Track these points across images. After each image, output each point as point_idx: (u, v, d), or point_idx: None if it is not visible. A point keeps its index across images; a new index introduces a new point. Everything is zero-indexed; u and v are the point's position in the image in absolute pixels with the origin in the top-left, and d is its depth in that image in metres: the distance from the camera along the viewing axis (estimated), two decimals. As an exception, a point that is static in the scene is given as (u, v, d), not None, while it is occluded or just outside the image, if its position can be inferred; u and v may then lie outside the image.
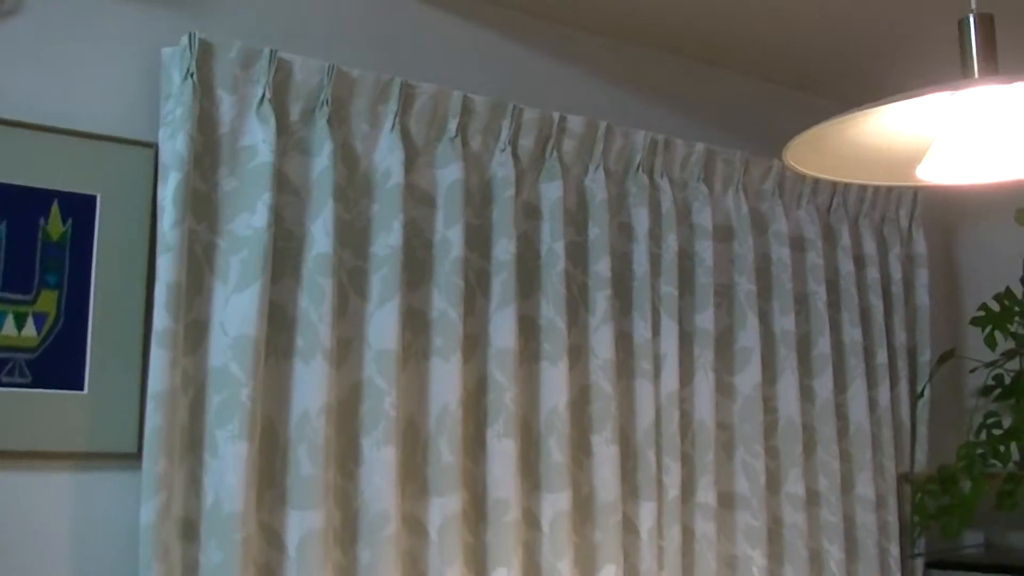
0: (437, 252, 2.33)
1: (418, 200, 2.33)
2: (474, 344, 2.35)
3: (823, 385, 2.85)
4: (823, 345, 2.85)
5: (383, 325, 2.22)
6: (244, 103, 2.16)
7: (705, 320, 2.67)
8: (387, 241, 2.25)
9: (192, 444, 2.05)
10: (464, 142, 2.40)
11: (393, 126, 2.31)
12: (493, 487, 2.32)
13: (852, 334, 2.94)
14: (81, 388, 2.04)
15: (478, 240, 2.40)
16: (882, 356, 2.99)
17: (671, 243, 2.63)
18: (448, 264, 2.31)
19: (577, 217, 2.54)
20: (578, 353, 2.49)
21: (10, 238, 2.01)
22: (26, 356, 2.00)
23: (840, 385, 2.94)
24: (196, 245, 2.09)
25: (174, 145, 2.06)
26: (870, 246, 3.02)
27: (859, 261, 3.01)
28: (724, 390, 2.71)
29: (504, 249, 2.39)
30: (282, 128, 2.18)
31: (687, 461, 2.62)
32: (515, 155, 2.46)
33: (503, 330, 2.36)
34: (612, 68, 2.79)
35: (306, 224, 2.20)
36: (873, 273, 3.01)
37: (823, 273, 2.89)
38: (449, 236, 2.32)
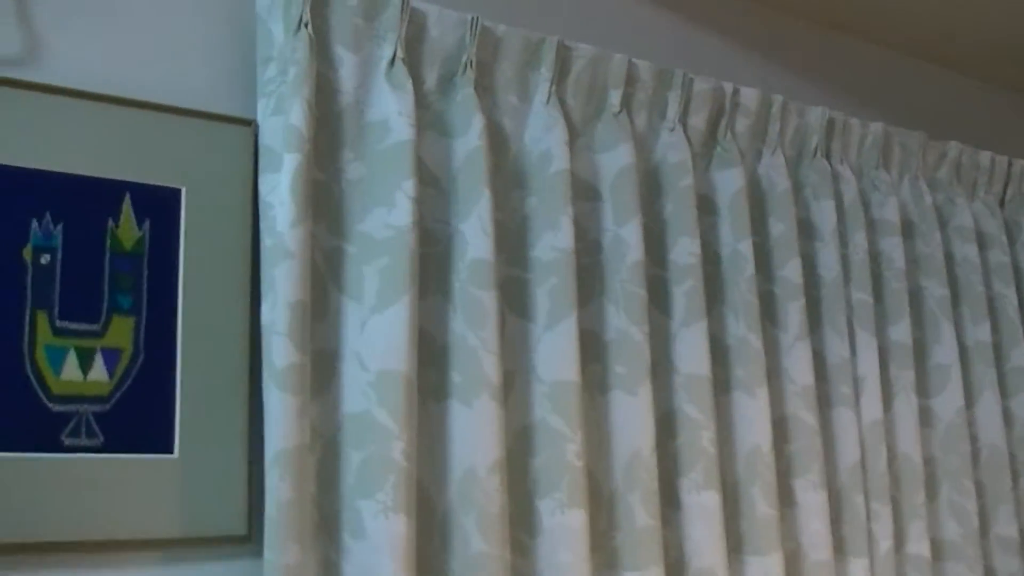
0: (608, 257, 1.65)
1: (578, 192, 1.65)
2: (653, 372, 1.66)
3: (1021, 405, 2.17)
4: (1018, 357, 2.18)
5: (556, 351, 1.52)
6: (369, 65, 1.48)
7: (900, 333, 1.99)
8: (553, 243, 1.56)
9: (324, 522, 1.35)
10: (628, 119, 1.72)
11: (549, 98, 1.63)
12: (693, 554, 1.62)
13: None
14: (170, 451, 1.34)
15: (649, 242, 1.71)
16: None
17: (859, 242, 1.96)
18: (625, 271, 1.63)
19: (752, 212, 1.86)
20: (771, 379, 1.80)
21: (68, 247, 1.31)
22: (95, 408, 1.30)
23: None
24: (316, 253, 1.40)
25: (286, 119, 1.37)
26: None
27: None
28: (922, 416, 2.03)
29: (685, 251, 1.71)
30: (415, 99, 1.49)
31: (895, 505, 1.93)
32: (686, 136, 1.79)
33: (692, 352, 1.67)
34: (740, 28, 2.12)
35: (453, 223, 1.51)
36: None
37: (1010, 273, 2.22)
38: (623, 236, 1.64)
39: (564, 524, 1.47)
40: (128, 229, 1.35)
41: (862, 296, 1.92)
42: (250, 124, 1.44)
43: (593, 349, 1.60)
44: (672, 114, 1.77)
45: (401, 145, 1.43)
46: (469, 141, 1.51)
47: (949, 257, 2.14)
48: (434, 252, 1.49)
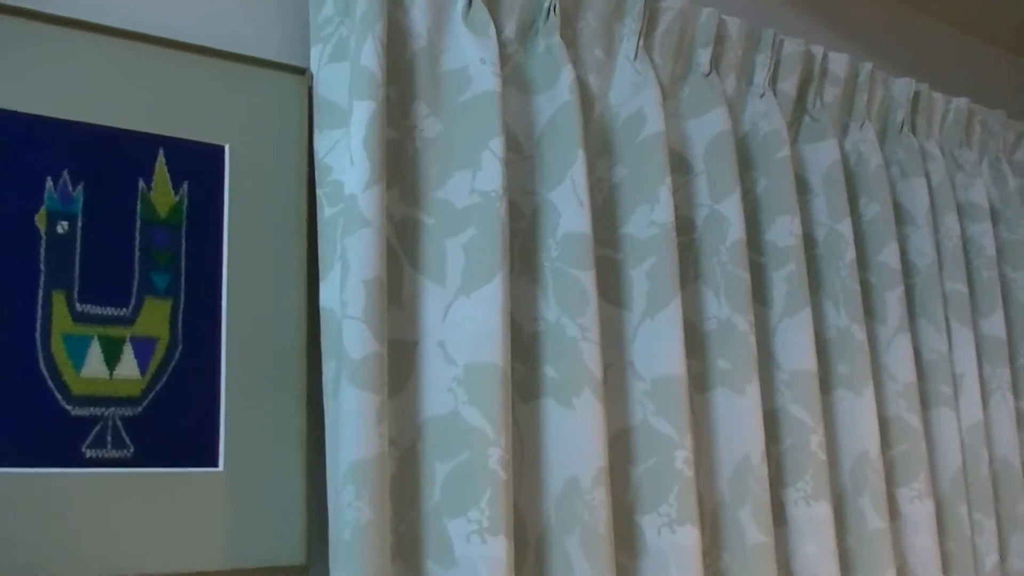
0: (704, 236, 1.38)
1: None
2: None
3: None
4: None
5: (657, 342, 1.25)
6: (444, 5, 1.21)
7: (994, 326, 1.73)
8: (650, 217, 1.29)
9: (402, 547, 1.07)
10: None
11: (636, 53, 1.36)
12: (805, 574, 1.36)
13: None
14: (214, 463, 1.05)
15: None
16: None
17: (951, 226, 1.70)
18: (725, 252, 1.36)
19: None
20: (873, 376, 1.54)
21: (90, 213, 1.02)
22: (124, 412, 1.01)
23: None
24: (386, 225, 1.12)
25: (356, 61, 1.09)
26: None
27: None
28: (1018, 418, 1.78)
29: (784, 232, 1.44)
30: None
31: (996, 515, 1.68)
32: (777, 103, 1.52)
33: (796, 345, 1.40)
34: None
35: (540, 192, 1.23)
36: None
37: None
38: (722, 212, 1.37)
39: (674, 543, 1.19)
40: (163, 193, 1.06)
41: (957, 286, 1.67)
42: (303, 73, 1.16)
43: (691, 341, 1.33)
44: (760, 78, 1.50)
45: (485, 97, 1.16)
46: (557, 96, 1.24)
47: (1032, 246, 1.90)
48: (518, 227, 1.22)
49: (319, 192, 1.11)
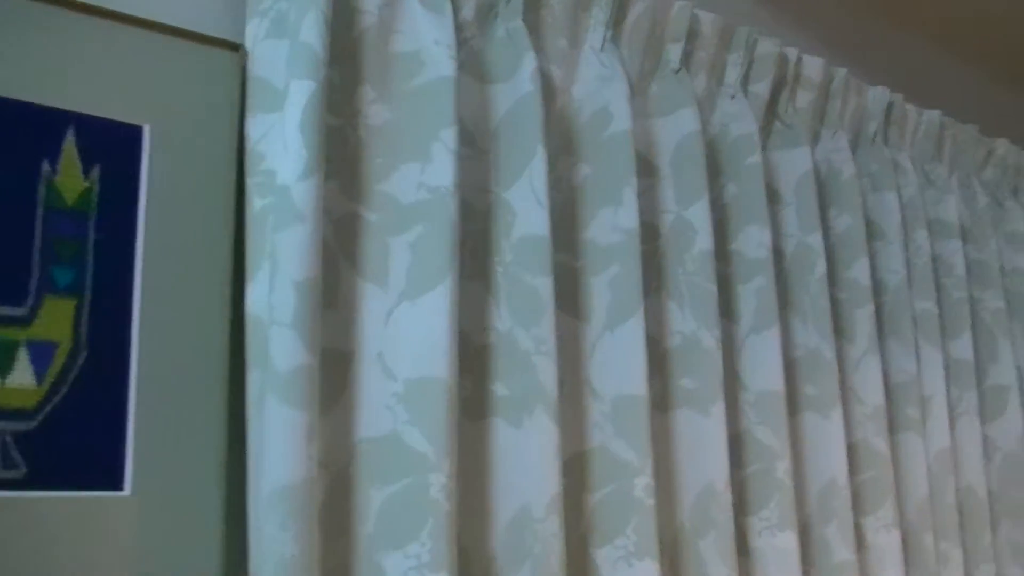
0: (668, 244, 1.27)
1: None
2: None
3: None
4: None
5: (618, 358, 1.14)
6: (396, -19, 1.09)
7: (962, 348, 1.65)
8: (613, 222, 1.18)
9: (333, 582, 0.95)
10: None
11: (603, 44, 1.26)
12: (767, 611, 1.26)
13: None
14: (120, 486, 0.92)
15: (708, 229, 1.35)
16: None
17: (921, 243, 1.62)
18: (691, 262, 1.26)
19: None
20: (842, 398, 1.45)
21: (-15, 197, 0.90)
22: (16, 426, 0.88)
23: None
24: (323, 220, 1.01)
25: (295, 38, 0.98)
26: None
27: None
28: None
29: (754, 242, 1.35)
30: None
31: (962, 545, 1.59)
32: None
33: (764, 364, 1.30)
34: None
35: (495, 190, 1.12)
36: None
37: (1058, 287, 1.91)
38: (689, 219, 1.27)
39: (631, 579, 1.09)
40: (71, 177, 0.93)
41: (926, 306, 1.58)
42: (237, 49, 1.04)
43: (653, 358, 1.22)
44: (732, 79, 1.40)
45: (439, 83, 1.04)
46: (517, 86, 1.13)
47: (1000, 267, 1.82)
48: (470, 228, 1.10)
49: (249, 182, 0.99)
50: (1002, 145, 1.86)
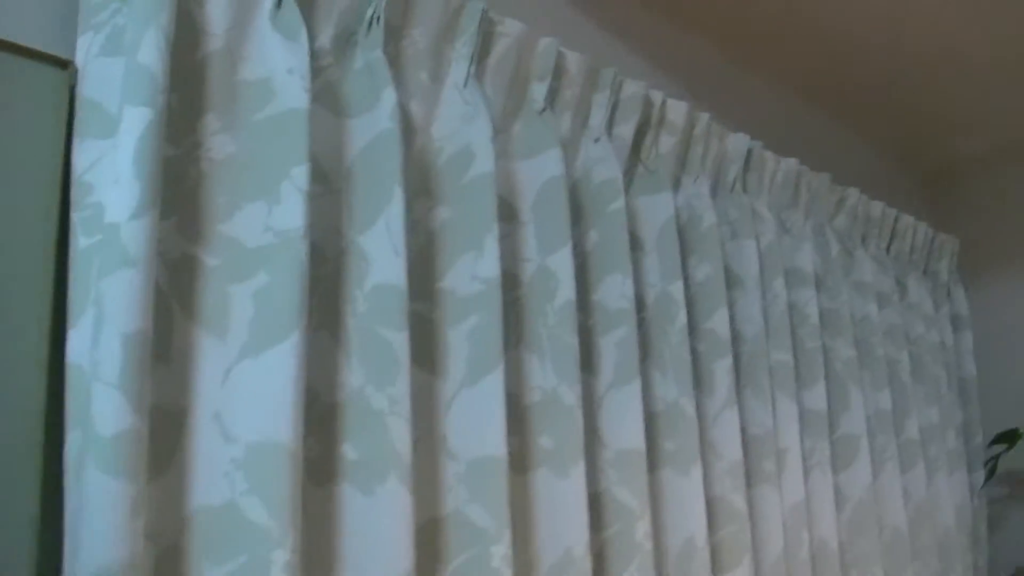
0: (529, 295, 1.22)
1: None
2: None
3: (916, 481, 1.89)
4: (911, 429, 1.90)
5: (476, 416, 1.08)
6: (248, 1, 1.01)
7: (815, 398, 1.65)
8: (473, 270, 1.12)
9: (155, 673, 0.85)
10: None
11: (467, 80, 1.20)
12: None
13: (929, 414, 2.00)
14: (-94, 563, 0.81)
15: (568, 278, 1.30)
16: (952, 440, 2.07)
17: (779, 292, 1.61)
18: (553, 314, 1.20)
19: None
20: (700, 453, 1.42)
21: None
22: None
23: (930, 479, 1.95)
24: (157, 262, 0.91)
25: (132, 58, 0.88)
26: (928, 304, 2.11)
27: (928, 321, 2.08)
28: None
29: (615, 293, 1.30)
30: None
31: (812, 601, 1.58)
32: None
33: (624, 421, 1.26)
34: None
35: (347, 233, 1.04)
36: (934, 336, 2.09)
37: (903, 336, 1.94)
38: (551, 268, 1.22)
39: (485, 656, 1.02)
40: None
41: (782, 356, 1.58)
42: (66, 67, 0.93)
43: (512, 415, 1.16)
44: (597, 120, 1.37)
45: (291, 115, 0.96)
46: (375, 122, 1.05)
47: (851, 315, 1.84)
48: (320, 273, 1.02)
49: (74, 216, 0.89)
50: (852, 195, 1.88)
